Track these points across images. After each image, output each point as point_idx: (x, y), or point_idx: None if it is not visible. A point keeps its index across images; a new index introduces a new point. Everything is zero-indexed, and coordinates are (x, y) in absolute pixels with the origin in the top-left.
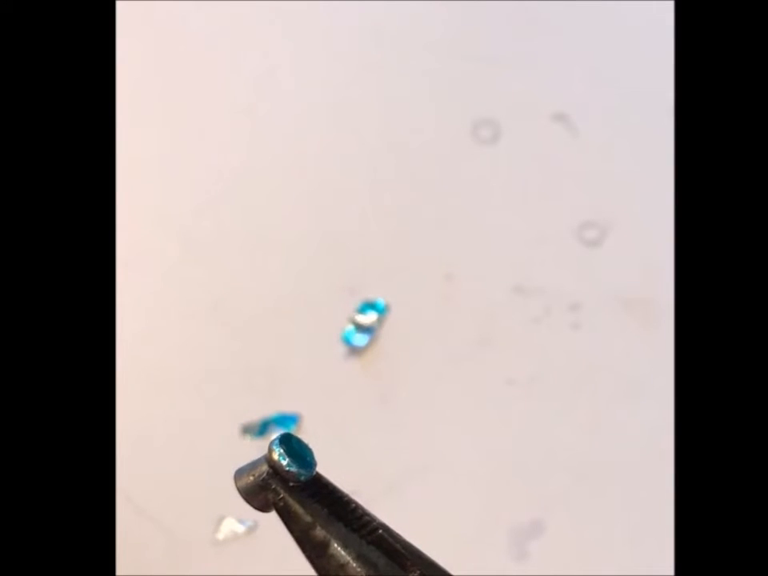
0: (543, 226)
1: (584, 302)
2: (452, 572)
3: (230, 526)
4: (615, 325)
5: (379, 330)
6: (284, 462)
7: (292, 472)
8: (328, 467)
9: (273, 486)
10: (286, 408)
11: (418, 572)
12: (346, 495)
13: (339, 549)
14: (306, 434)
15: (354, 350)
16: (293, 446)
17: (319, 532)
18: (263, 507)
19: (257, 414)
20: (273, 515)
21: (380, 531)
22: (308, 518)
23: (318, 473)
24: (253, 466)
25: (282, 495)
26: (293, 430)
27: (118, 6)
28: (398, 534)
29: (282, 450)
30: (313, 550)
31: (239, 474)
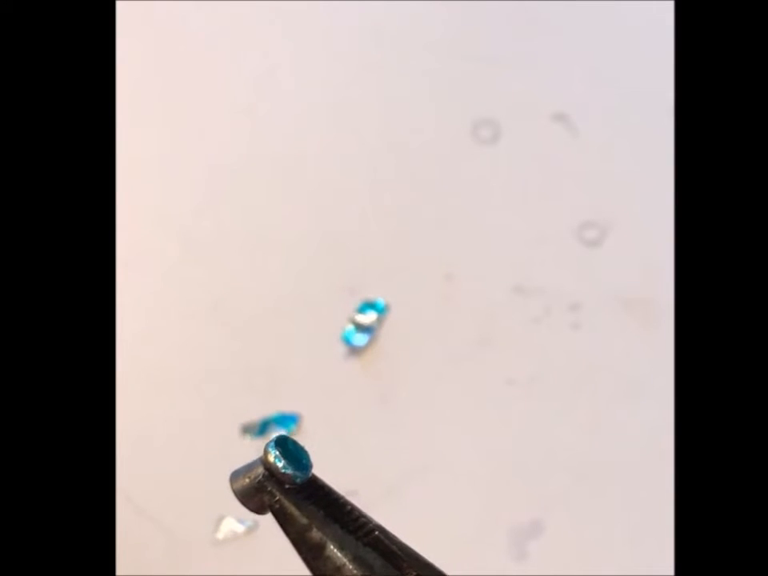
0: (543, 226)
1: (584, 302)
2: (451, 572)
3: (230, 526)
4: (615, 325)
5: (379, 329)
6: (280, 464)
7: (288, 474)
8: (328, 467)
9: (268, 488)
10: (286, 408)
11: (414, 573)
12: (342, 497)
13: (335, 551)
14: (306, 434)
15: (354, 350)
16: (288, 448)
17: (315, 534)
18: (259, 509)
19: (257, 414)
20: (271, 516)
21: (376, 533)
22: (304, 520)
23: (313, 475)
24: (248, 468)
25: (277, 497)
26: (293, 430)
27: (118, 6)
28: (394, 536)
29: (277, 452)
30: (309, 552)
31: (235, 476)
